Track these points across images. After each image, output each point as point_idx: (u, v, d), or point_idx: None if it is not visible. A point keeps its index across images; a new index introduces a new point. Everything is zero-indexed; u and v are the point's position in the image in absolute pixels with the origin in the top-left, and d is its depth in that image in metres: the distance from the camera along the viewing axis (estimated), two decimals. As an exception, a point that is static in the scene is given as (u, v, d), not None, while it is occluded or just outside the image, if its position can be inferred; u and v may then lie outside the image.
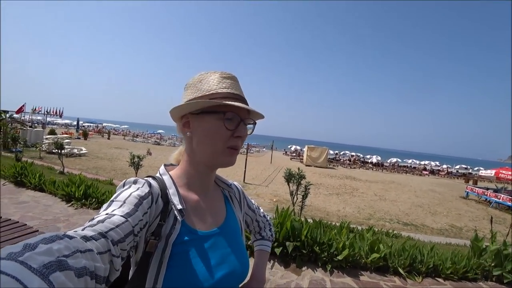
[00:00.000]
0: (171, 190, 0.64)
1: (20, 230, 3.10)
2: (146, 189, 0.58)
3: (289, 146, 44.32)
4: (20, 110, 21.08)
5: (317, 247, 3.40)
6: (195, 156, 0.69)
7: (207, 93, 0.65)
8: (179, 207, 0.61)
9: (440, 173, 34.20)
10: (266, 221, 1.02)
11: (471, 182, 21.92)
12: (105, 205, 0.52)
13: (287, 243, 3.40)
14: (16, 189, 5.58)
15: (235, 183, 0.90)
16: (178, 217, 0.61)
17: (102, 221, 0.44)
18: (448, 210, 11.61)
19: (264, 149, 46.92)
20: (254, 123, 0.73)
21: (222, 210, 0.77)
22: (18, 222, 3.36)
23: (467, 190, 15.75)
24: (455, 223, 9.34)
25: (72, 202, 4.92)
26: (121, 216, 0.47)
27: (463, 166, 37.85)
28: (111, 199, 0.54)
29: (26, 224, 3.27)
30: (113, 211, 0.48)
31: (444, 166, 37.00)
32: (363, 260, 3.35)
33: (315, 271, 3.22)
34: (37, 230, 3.13)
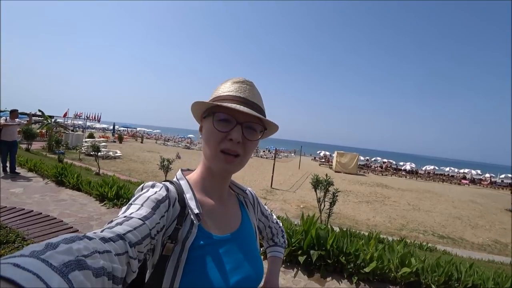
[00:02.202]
0: (188, 195, 0.65)
1: (57, 226, 3.35)
2: (163, 192, 0.59)
3: (318, 152, 43.54)
4: (64, 115, 22.87)
5: (343, 257, 3.26)
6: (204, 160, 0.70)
7: (214, 97, 0.67)
8: (196, 211, 0.62)
9: (482, 182, 31.46)
10: (279, 227, 1.01)
11: (518, 193, 19.97)
12: (123, 208, 0.54)
13: (312, 251, 3.30)
14: (57, 188, 6.01)
15: (249, 189, 0.90)
16: (194, 221, 0.62)
17: (120, 223, 0.45)
18: (491, 223, 10.67)
19: (292, 154, 46.50)
20: (263, 130, 0.69)
21: (238, 215, 0.77)
22: (55, 218, 3.63)
23: (514, 202, 14.38)
24: (499, 238, 8.56)
25: (105, 202, 5.18)
26: (138, 219, 0.48)
27: (509, 175, 34.55)
28: (130, 202, 0.56)
29: (62, 221, 3.52)
30: (131, 214, 0.50)
31: (487, 175, 34.04)
32: (393, 274, 3.15)
33: (340, 282, 3.09)
34: (72, 227, 3.36)
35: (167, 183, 0.65)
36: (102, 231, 0.41)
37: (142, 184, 0.63)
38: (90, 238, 0.35)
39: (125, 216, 0.48)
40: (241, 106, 0.62)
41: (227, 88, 0.67)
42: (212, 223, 0.67)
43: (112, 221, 0.47)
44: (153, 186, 0.61)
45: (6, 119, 7.09)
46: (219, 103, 0.62)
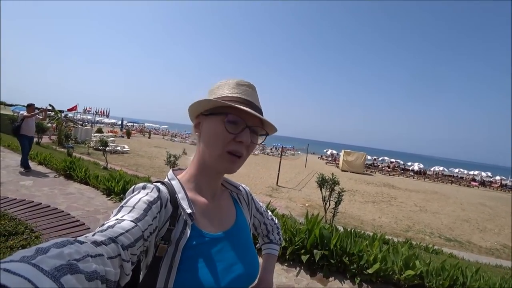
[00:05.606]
0: (180, 195, 0.65)
1: (65, 219, 3.42)
2: (155, 194, 0.59)
3: (325, 150, 43.29)
4: (72, 109, 23.17)
5: (346, 258, 3.24)
6: (202, 158, 0.69)
7: (219, 97, 0.65)
8: (189, 211, 0.62)
9: (493, 185, 30.74)
10: (274, 224, 1.01)
11: (530, 197, 19.53)
12: (114, 211, 0.53)
13: (315, 251, 3.29)
14: (65, 181, 6.12)
15: (243, 185, 0.89)
16: (187, 221, 0.62)
17: (112, 226, 0.45)
18: (500, 227, 10.45)
19: (299, 152, 46.36)
20: (266, 134, 0.72)
21: (232, 213, 0.77)
22: (63, 211, 3.70)
23: (525, 206, 14.07)
24: (508, 242, 8.38)
25: (111, 196, 5.27)
26: (130, 221, 0.48)
27: (520, 177, 33.73)
28: (121, 204, 0.55)
29: (69, 214, 3.59)
30: (122, 216, 0.49)
31: (498, 177, 33.29)
32: (396, 276, 3.12)
33: (342, 282, 3.08)
34: (78, 220, 3.43)
35: (158, 184, 0.65)
36: (93, 235, 0.41)
37: (133, 186, 0.62)
38: (81, 242, 0.35)
39: (116, 219, 0.48)
40: (254, 111, 0.62)
41: (233, 89, 0.67)
42: (206, 222, 0.67)
43: (103, 224, 0.46)
44: (144, 188, 0.61)
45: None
46: (232, 104, 0.61)
